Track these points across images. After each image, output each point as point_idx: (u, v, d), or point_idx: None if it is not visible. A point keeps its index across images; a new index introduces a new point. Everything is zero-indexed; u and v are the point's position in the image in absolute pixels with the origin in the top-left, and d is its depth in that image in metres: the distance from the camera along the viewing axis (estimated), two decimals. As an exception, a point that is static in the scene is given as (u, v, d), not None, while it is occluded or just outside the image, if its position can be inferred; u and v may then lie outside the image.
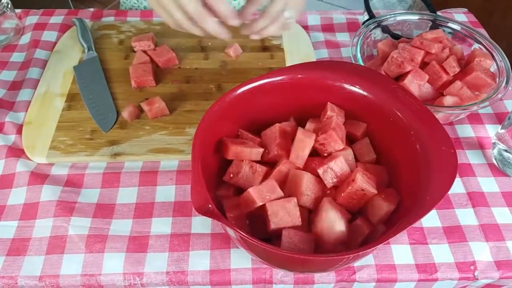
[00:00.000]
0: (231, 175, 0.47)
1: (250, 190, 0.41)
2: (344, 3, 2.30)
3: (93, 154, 0.57)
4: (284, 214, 0.39)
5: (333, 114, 0.48)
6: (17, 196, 0.54)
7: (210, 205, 0.37)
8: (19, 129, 0.61)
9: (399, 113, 0.44)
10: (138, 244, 0.50)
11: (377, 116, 0.47)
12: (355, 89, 0.48)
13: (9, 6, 0.73)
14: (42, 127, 0.60)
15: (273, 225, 0.40)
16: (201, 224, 0.52)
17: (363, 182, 0.40)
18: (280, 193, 0.42)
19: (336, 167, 0.42)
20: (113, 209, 0.53)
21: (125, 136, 0.60)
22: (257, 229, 0.43)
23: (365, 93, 0.47)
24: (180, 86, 0.67)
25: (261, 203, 0.41)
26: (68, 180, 0.56)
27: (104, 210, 0.53)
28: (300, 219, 0.40)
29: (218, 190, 0.48)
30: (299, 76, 0.49)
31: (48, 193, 0.54)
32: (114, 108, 0.62)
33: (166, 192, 0.55)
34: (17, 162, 0.57)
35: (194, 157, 0.41)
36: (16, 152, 0.58)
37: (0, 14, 0.71)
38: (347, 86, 0.48)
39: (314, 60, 0.71)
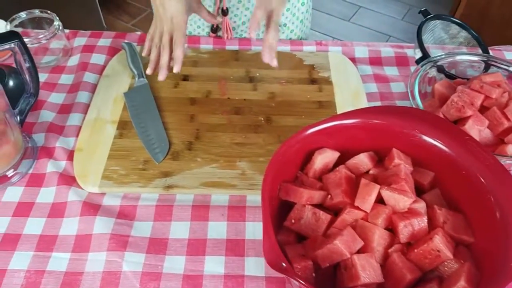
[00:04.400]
0: (293, 221, 0.46)
1: (338, 242, 0.40)
2: (378, 26, 2.31)
3: (146, 186, 0.57)
4: (370, 269, 0.38)
5: (401, 162, 0.47)
6: (69, 226, 0.54)
7: (284, 264, 0.36)
8: (70, 155, 0.61)
9: (472, 168, 0.43)
10: (192, 284, 0.49)
11: (446, 167, 0.46)
12: (424, 137, 0.47)
13: (60, 28, 0.73)
14: (94, 155, 0.60)
15: (363, 280, 0.38)
16: (255, 265, 0.51)
17: (440, 243, 0.39)
18: (360, 242, 0.41)
19: (416, 223, 0.41)
20: (166, 244, 0.53)
21: (177, 168, 0.59)
22: (321, 279, 0.42)
23: (434, 142, 0.46)
24: (230, 117, 0.67)
25: (348, 256, 0.40)
26: (120, 212, 0.55)
27: (158, 245, 0.52)
28: (382, 276, 0.39)
29: (278, 235, 0.47)
30: (366, 120, 0.48)
31: (101, 225, 0.53)
32: (166, 138, 0.62)
33: (218, 229, 0.54)
34: (69, 190, 0.57)
35: (265, 210, 0.40)
36: (67, 179, 0.58)
37: (52, 36, 0.72)
38: (415, 133, 0.47)
39: (364, 94, 0.70)
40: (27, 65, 0.57)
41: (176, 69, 0.62)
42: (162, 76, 0.63)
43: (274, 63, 0.63)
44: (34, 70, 0.58)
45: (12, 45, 0.54)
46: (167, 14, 0.62)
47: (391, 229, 0.43)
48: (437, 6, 2.40)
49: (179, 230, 0.54)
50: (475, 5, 1.56)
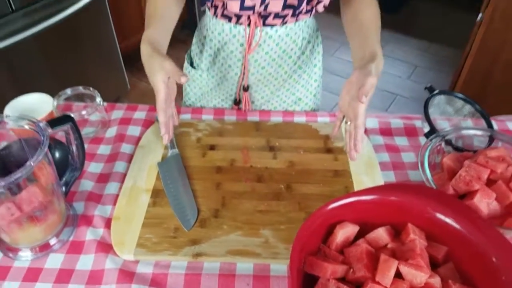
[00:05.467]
0: (318, 293, 0.50)
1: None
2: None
3: (176, 254, 0.61)
4: None
5: (416, 237, 0.51)
6: (107, 293, 0.58)
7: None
8: (107, 223, 0.66)
9: (483, 246, 0.47)
10: None
11: (458, 243, 0.50)
12: (437, 214, 0.51)
13: (101, 103, 0.82)
14: (130, 223, 0.65)
15: None
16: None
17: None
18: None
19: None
20: (196, 312, 0.56)
21: (205, 235, 0.64)
22: None
23: (446, 219, 0.51)
24: (253, 185, 0.72)
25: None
26: (152, 279, 0.59)
27: (188, 313, 0.56)
28: None
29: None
30: (382, 197, 0.53)
31: (136, 292, 0.57)
32: (195, 206, 0.67)
33: (244, 298, 0.58)
34: (106, 258, 0.61)
35: (293, 283, 0.44)
36: (105, 247, 0.63)
37: (93, 111, 0.80)
38: (428, 210, 0.51)
39: (377, 163, 0.76)
40: (76, 142, 0.64)
41: (164, 141, 0.72)
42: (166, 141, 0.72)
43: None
44: (81, 147, 0.65)
45: (66, 127, 0.61)
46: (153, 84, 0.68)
47: (409, 302, 0.47)
48: (441, 66, 2.51)
49: (208, 298, 0.57)
50: (478, 70, 1.65)
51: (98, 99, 0.81)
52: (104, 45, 1.99)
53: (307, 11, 0.80)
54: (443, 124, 0.81)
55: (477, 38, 1.57)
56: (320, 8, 0.78)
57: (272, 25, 0.80)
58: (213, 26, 0.84)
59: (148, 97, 2.24)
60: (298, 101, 0.94)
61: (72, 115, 0.64)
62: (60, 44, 1.79)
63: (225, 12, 0.79)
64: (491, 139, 0.73)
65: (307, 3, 0.76)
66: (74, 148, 0.64)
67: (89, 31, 1.89)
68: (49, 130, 0.59)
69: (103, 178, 0.74)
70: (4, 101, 0.80)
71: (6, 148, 0.64)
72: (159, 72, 0.66)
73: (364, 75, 0.63)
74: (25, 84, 1.71)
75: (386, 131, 0.83)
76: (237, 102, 0.92)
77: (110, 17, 1.94)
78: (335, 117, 0.86)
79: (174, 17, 0.77)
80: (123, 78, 2.10)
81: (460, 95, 0.81)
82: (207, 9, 0.84)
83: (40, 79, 1.76)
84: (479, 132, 0.72)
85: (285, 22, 0.80)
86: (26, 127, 0.59)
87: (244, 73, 0.86)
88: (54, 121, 0.61)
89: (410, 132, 0.83)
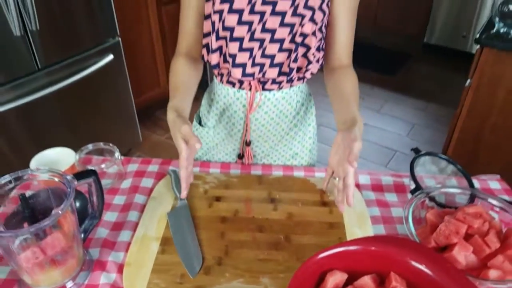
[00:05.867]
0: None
1: None
2: (378, 159, 2.51)
3: (183, 299, 0.67)
4: None
5: (397, 285, 0.57)
6: (117, 333, 0.63)
7: None
8: (119, 268, 0.72)
9: (456, 292, 0.53)
10: None
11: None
12: (415, 264, 0.57)
13: (119, 158, 0.91)
14: (140, 270, 0.71)
15: None
16: None
17: None
18: None
19: None
20: None
21: (208, 282, 0.69)
22: None
23: (423, 269, 0.57)
24: (254, 234, 0.79)
25: None
26: (160, 321, 0.64)
27: None
28: None
29: None
30: (367, 247, 0.60)
31: (144, 333, 0.62)
32: (200, 254, 0.74)
33: None
34: (118, 301, 0.67)
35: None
36: (117, 291, 0.69)
37: (112, 165, 0.89)
38: (408, 260, 0.58)
39: (368, 217, 0.82)
40: (97, 193, 0.72)
41: (182, 195, 0.80)
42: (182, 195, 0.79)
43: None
44: (101, 198, 0.73)
45: (90, 180, 0.70)
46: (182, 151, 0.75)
47: None
48: (438, 124, 2.63)
49: None
50: (469, 131, 1.75)
51: (117, 154, 0.91)
52: (121, 100, 2.14)
53: (299, 78, 0.92)
54: (429, 182, 0.89)
55: (466, 102, 1.69)
56: (308, 75, 0.90)
57: (270, 90, 0.91)
58: (219, 90, 0.96)
59: (159, 149, 2.35)
60: (295, 156, 1.03)
61: (92, 167, 0.73)
62: (79, 100, 1.93)
63: (230, 79, 0.92)
64: (473, 197, 0.80)
65: (297, 71, 0.88)
66: (94, 198, 0.72)
67: (107, 88, 2.04)
68: (75, 183, 0.67)
69: (117, 226, 0.81)
70: (23, 152, 0.90)
71: (34, 196, 0.72)
72: (179, 134, 0.75)
73: (350, 139, 0.72)
74: (43, 138, 1.82)
75: (377, 187, 0.91)
76: (240, 156, 1.02)
77: (127, 75, 2.10)
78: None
79: (194, 88, 0.89)
80: (136, 130, 2.23)
81: (443, 156, 0.89)
82: (214, 76, 0.96)
83: (57, 132, 1.88)
84: (458, 190, 0.79)
85: (281, 87, 0.92)
86: (56, 179, 0.67)
87: (246, 130, 0.97)
88: (79, 175, 0.70)
89: (399, 188, 0.90)
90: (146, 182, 0.91)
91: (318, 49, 0.87)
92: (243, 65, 0.85)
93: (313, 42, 0.83)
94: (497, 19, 1.63)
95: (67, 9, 1.75)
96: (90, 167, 0.78)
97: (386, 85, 3.08)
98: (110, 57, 1.93)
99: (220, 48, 0.86)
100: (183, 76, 0.88)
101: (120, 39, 1.98)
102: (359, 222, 0.82)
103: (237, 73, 0.86)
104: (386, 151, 2.43)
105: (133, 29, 2.27)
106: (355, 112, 0.79)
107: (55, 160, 0.92)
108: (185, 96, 0.84)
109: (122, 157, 0.97)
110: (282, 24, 0.82)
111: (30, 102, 1.71)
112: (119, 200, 0.87)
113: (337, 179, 0.78)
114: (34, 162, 0.90)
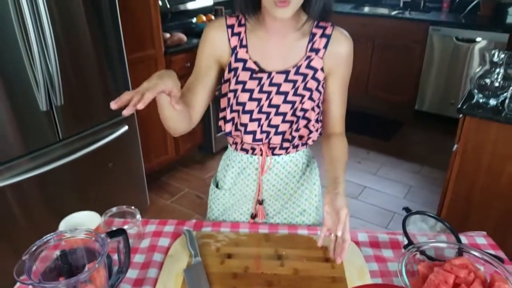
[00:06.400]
0: None
1: None
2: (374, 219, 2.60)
3: None
4: None
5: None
6: None
7: None
8: (141, 322, 0.79)
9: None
10: None
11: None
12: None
13: (140, 219, 1.01)
14: (161, 321, 0.78)
15: None
16: None
17: None
18: None
19: None
20: None
21: (224, 332, 0.76)
22: None
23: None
24: (264, 289, 0.86)
25: None
26: None
27: None
28: None
29: None
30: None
31: None
32: (215, 309, 0.81)
33: None
34: None
35: None
36: None
37: (133, 227, 0.99)
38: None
39: (367, 271, 0.90)
40: (125, 250, 0.81)
41: (140, 105, 0.72)
42: (127, 111, 0.72)
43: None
44: (128, 254, 0.82)
45: (120, 238, 0.79)
46: (154, 80, 0.77)
47: None
48: (432, 186, 2.73)
49: None
50: (459, 192, 1.86)
51: (138, 216, 1.01)
52: (132, 167, 2.27)
53: (302, 144, 1.06)
54: (421, 239, 0.97)
55: (455, 166, 1.82)
56: (310, 142, 1.05)
57: (278, 155, 1.05)
58: (234, 157, 1.09)
59: (164, 213, 2.43)
60: (303, 212, 1.14)
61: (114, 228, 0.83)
62: (93, 168, 2.06)
63: (243, 147, 1.06)
64: (460, 251, 0.88)
65: (300, 139, 1.03)
66: (122, 254, 0.81)
67: (121, 156, 2.18)
68: (108, 240, 0.77)
69: (138, 283, 0.88)
70: (36, 218, 0.99)
71: (71, 253, 0.81)
72: (166, 83, 0.77)
73: (338, 207, 0.84)
74: (57, 204, 1.92)
75: (374, 244, 1.00)
76: (253, 216, 1.12)
77: (140, 144, 2.26)
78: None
79: (185, 122, 0.95)
80: (144, 195, 2.33)
81: (432, 214, 0.99)
82: (229, 145, 1.11)
83: (70, 198, 1.97)
84: (446, 245, 0.88)
85: (288, 152, 1.05)
86: (93, 239, 0.77)
87: (259, 190, 1.09)
88: (111, 233, 0.79)
89: (394, 245, 0.99)
90: (163, 242, 1.00)
91: (317, 121, 1.02)
92: (253, 132, 1.00)
93: (312, 115, 0.99)
94: (475, 91, 1.82)
95: (89, 84, 1.94)
96: (113, 228, 0.88)
97: (381, 150, 3.24)
98: (125, 128, 2.10)
99: (233, 119, 1.01)
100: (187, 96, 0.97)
101: (135, 111, 2.16)
102: (359, 276, 0.89)
103: (248, 139, 1.01)
104: (385, 212, 2.50)
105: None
106: (340, 173, 0.94)
107: (81, 222, 1.01)
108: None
109: (142, 219, 1.07)
110: (285, 101, 0.98)
111: (46, 172, 1.82)
112: (139, 258, 0.95)
113: (332, 235, 0.88)
114: (63, 224, 0.99)
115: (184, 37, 2.72)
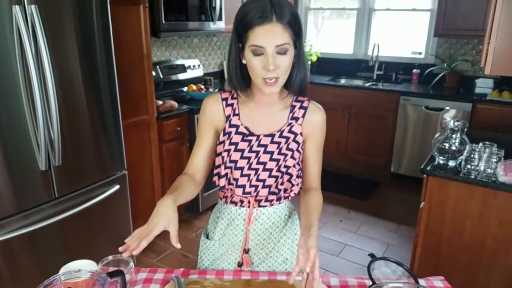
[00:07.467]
0: None
1: None
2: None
3: None
4: None
5: None
6: None
7: None
8: None
9: None
10: None
11: None
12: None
13: (133, 267, 1.11)
14: None
15: None
16: None
17: None
18: None
19: None
20: None
21: None
22: None
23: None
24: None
25: None
26: None
27: None
28: None
29: None
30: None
31: None
32: None
33: None
34: None
35: None
36: None
37: (126, 273, 1.09)
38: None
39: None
40: (121, 289, 0.91)
41: (135, 252, 0.90)
42: (125, 254, 0.92)
43: None
44: (125, 293, 0.92)
45: (118, 278, 0.90)
46: (154, 219, 0.97)
47: None
48: (410, 244, 2.85)
49: None
50: (428, 246, 2.00)
51: (131, 264, 1.11)
52: (120, 225, 2.35)
53: (285, 197, 1.22)
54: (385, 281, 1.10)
55: (422, 221, 1.98)
56: (292, 194, 1.21)
57: (264, 206, 1.21)
58: (224, 210, 1.24)
59: (149, 272, 2.45)
60: (286, 261, 1.27)
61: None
62: (83, 225, 2.13)
63: (233, 199, 1.21)
64: (417, 291, 1.01)
65: (284, 192, 1.19)
66: (120, 294, 0.92)
67: (110, 214, 2.27)
68: (109, 279, 0.88)
69: (131, 324, 0.97)
70: (25, 276, 1.08)
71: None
72: (165, 221, 0.97)
73: (309, 247, 0.98)
74: (45, 262, 1.96)
75: (344, 287, 1.11)
76: (240, 264, 1.24)
77: (129, 202, 2.36)
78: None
79: (188, 196, 1.13)
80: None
81: (393, 259, 1.13)
82: (219, 200, 1.27)
83: (59, 256, 2.01)
84: (404, 285, 1.01)
85: (272, 204, 1.21)
86: (95, 279, 0.88)
87: (246, 239, 1.22)
88: (111, 274, 0.90)
89: (362, 287, 1.11)
90: None
91: (298, 176, 1.18)
92: (243, 186, 1.16)
93: (294, 171, 1.16)
94: (436, 153, 2.04)
95: (86, 146, 2.09)
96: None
97: (360, 209, 3.40)
98: (117, 187, 2.22)
99: (226, 174, 1.17)
100: (184, 184, 1.14)
101: (126, 172, 2.30)
102: (330, 316, 1.00)
103: (239, 191, 1.16)
104: (364, 269, 2.57)
105: (138, 163, 2.62)
106: (314, 221, 1.09)
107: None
108: (180, 195, 1.08)
109: (134, 267, 1.17)
110: (271, 159, 1.16)
111: (36, 229, 1.87)
112: (131, 303, 1.04)
113: (304, 273, 1.00)
114: (63, 271, 1.09)
115: (175, 104, 2.95)
